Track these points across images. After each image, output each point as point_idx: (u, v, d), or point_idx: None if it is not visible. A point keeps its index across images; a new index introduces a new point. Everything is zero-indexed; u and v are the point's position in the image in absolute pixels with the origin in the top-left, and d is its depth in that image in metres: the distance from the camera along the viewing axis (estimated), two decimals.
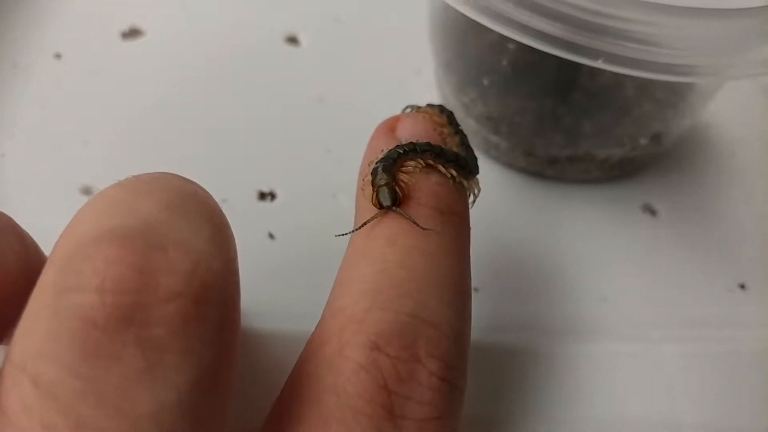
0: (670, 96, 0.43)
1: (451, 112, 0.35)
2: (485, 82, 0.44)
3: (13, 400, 0.20)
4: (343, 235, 0.30)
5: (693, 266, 0.43)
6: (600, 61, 0.32)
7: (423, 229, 0.28)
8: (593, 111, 0.43)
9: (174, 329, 0.21)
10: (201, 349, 0.22)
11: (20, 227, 0.27)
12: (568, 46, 0.32)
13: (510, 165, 0.46)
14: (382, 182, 0.30)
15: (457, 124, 0.35)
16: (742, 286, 0.42)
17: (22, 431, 0.20)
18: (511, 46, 0.42)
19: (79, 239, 0.23)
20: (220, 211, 0.26)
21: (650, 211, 0.45)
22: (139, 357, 0.21)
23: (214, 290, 0.22)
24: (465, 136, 0.35)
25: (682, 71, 0.33)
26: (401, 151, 0.31)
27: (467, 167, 0.33)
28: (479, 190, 0.33)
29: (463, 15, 0.33)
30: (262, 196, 0.44)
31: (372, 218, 0.29)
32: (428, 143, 0.32)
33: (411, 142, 0.31)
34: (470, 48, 0.45)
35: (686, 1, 0.32)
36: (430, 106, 0.35)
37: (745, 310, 0.41)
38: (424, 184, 0.30)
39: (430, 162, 0.31)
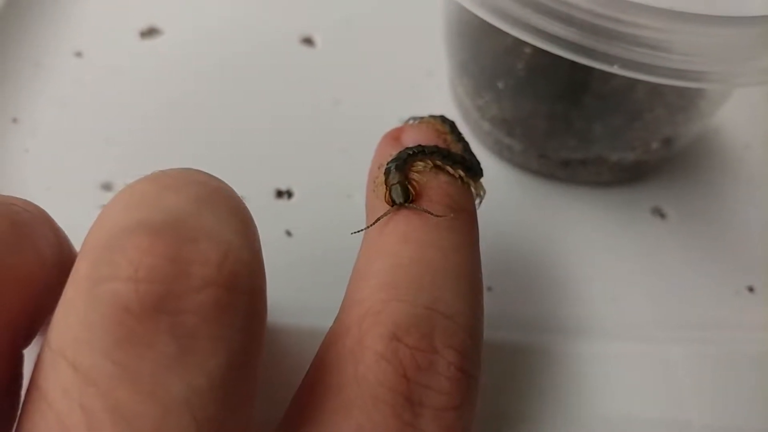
0: (681, 101, 0.43)
1: (453, 122, 0.36)
2: (500, 85, 0.44)
3: (53, 384, 0.21)
4: (357, 231, 0.31)
5: (702, 268, 0.44)
6: (615, 66, 0.33)
7: (437, 216, 0.29)
8: (605, 115, 0.44)
9: (205, 317, 0.22)
10: (231, 336, 0.22)
11: (53, 220, 0.28)
12: (584, 51, 0.32)
13: (523, 167, 0.47)
14: (395, 180, 0.31)
15: (460, 133, 0.36)
16: (751, 289, 0.43)
17: (62, 413, 0.21)
18: (527, 50, 0.43)
19: (110, 231, 0.23)
20: (244, 204, 0.27)
21: (660, 214, 0.46)
22: (172, 344, 0.21)
23: (243, 279, 0.23)
24: (467, 143, 0.36)
25: (693, 77, 0.33)
26: (411, 152, 0.32)
27: (473, 169, 0.34)
28: (485, 193, 0.35)
29: (479, 18, 0.34)
30: (280, 194, 0.45)
31: (385, 214, 0.30)
32: (435, 146, 0.33)
33: (419, 145, 0.33)
34: (486, 51, 0.45)
35: (698, 8, 0.33)
36: (431, 116, 0.36)
37: (753, 313, 0.42)
38: (435, 183, 0.32)
39: (438, 163, 0.32)
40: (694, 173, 0.48)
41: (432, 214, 0.29)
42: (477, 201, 0.34)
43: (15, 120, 0.47)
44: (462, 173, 0.32)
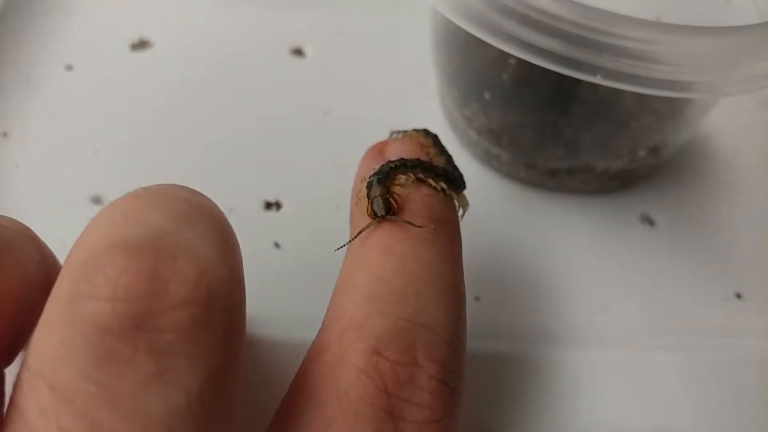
0: (668, 109, 0.44)
1: (436, 135, 0.37)
2: (486, 95, 0.45)
3: (31, 404, 0.21)
4: (341, 247, 0.32)
5: (690, 275, 0.44)
6: (598, 76, 0.33)
7: (419, 228, 0.30)
8: (592, 123, 0.44)
9: (183, 335, 0.22)
10: (209, 354, 0.22)
11: (38, 237, 0.28)
12: (567, 62, 0.33)
13: (511, 176, 0.47)
14: (377, 193, 0.31)
15: (443, 146, 0.36)
16: (739, 296, 0.43)
17: None
18: (512, 61, 0.43)
19: (91, 249, 0.24)
20: (226, 220, 0.27)
21: (648, 221, 0.46)
22: (150, 362, 0.21)
23: (221, 296, 0.23)
24: (450, 156, 0.36)
25: (679, 87, 0.33)
26: (393, 166, 0.32)
27: (456, 181, 0.34)
28: (468, 205, 0.35)
29: (465, 30, 0.34)
30: (268, 205, 0.45)
31: (367, 227, 0.30)
32: (418, 159, 0.33)
33: (401, 158, 0.33)
34: (472, 62, 0.45)
35: (683, 19, 0.33)
36: (415, 130, 0.37)
37: (741, 319, 0.42)
38: (417, 196, 0.32)
39: (420, 176, 0.32)
40: (683, 180, 0.48)
41: (414, 225, 0.30)
42: (460, 213, 0.34)
43: (5, 134, 0.47)
44: (444, 186, 0.32)
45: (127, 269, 0.22)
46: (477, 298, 0.42)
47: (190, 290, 0.23)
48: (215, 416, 0.23)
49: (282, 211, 0.45)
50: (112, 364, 0.21)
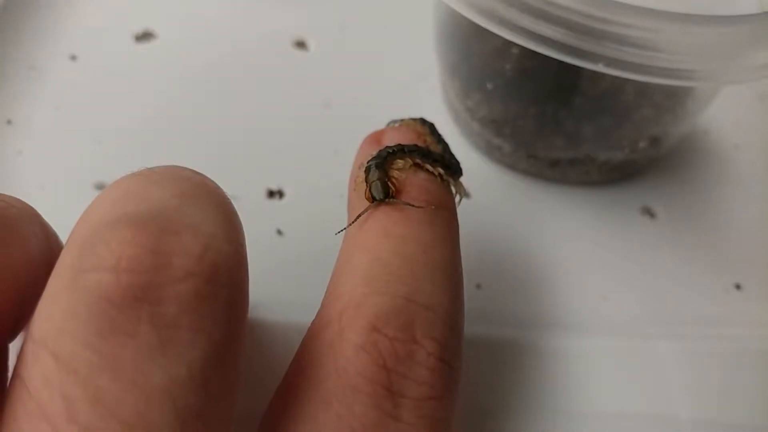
0: (669, 101, 0.44)
1: (433, 124, 0.37)
2: (489, 86, 0.45)
3: (35, 373, 0.21)
4: (340, 231, 0.32)
5: (690, 267, 0.44)
6: (600, 65, 0.33)
7: (417, 207, 0.30)
8: (593, 115, 0.44)
9: (186, 307, 0.22)
10: (212, 327, 0.22)
11: (41, 216, 0.28)
12: (570, 50, 0.33)
13: (512, 167, 0.47)
14: (375, 177, 0.31)
15: (439, 134, 0.36)
16: (738, 287, 0.43)
17: (43, 402, 0.21)
18: (514, 51, 0.43)
19: (95, 224, 0.24)
20: (229, 200, 0.27)
21: (649, 213, 0.46)
22: (153, 333, 0.21)
23: (224, 271, 0.23)
24: (447, 144, 0.36)
25: (681, 75, 0.33)
26: (391, 151, 0.32)
27: (452, 167, 0.34)
28: (465, 191, 0.35)
29: (468, 20, 0.34)
30: (271, 194, 0.45)
31: (365, 211, 0.31)
32: (415, 145, 0.33)
33: (399, 144, 0.33)
34: (475, 53, 0.46)
35: (684, 7, 0.33)
36: (411, 119, 0.37)
37: (741, 310, 0.42)
38: (414, 180, 0.32)
39: (418, 161, 0.33)
40: (684, 173, 0.48)
41: (412, 206, 0.30)
42: (457, 199, 0.34)
43: (9, 122, 0.47)
44: (441, 171, 0.33)
45: (131, 242, 0.22)
46: (478, 286, 0.42)
47: (194, 264, 0.23)
48: (217, 389, 0.23)
49: (284, 199, 0.45)
50: (115, 334, 0.21)
